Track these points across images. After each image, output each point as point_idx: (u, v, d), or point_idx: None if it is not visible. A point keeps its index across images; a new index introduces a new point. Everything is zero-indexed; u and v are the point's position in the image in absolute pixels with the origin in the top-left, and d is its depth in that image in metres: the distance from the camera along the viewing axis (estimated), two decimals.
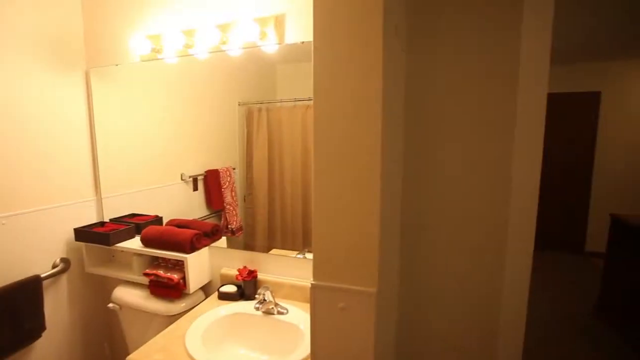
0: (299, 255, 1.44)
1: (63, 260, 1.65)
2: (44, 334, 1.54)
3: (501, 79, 0.85)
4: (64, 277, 1.68)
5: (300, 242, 1.51)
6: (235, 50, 1.42)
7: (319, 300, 0.77)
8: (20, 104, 1.47)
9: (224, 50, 1.44)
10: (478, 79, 0.87)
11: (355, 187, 0.71)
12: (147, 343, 1.15)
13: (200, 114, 1.67)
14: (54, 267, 1.61)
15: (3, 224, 1.43)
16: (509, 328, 0.93)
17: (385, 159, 0.71)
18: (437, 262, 0.98)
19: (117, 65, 1.68)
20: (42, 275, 1.52)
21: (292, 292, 1.40)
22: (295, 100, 1.46)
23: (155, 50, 1.53)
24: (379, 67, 0.66)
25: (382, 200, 0.71)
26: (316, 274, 0.76)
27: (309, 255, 1.42)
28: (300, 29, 1.31)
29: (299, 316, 1.27)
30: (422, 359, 1.05)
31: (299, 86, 1.47)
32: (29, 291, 1.47)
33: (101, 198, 1.83)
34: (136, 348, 1.16)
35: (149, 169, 1.79)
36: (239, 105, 1.57)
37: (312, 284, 0.77)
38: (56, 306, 1.64)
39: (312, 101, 1.45)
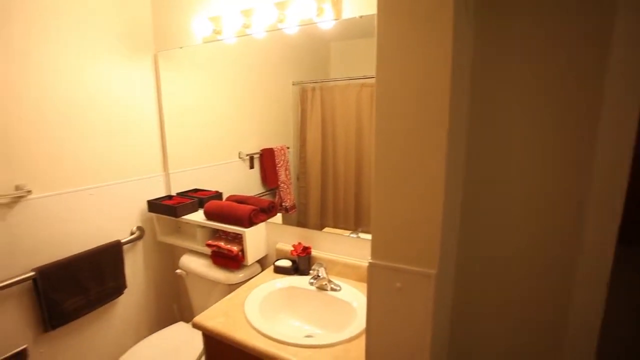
0: (352, 235, 1.45)
1: (139, 228, 1.83)
2: (125, 292, 1.75)
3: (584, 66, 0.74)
4: (139, 244, 1.88)
5: (352, 221, 1.51)
6: (291, 28, 1.41)
7: (376, 279, 0.77)
8: (99, 89, 1.62)
9: (280, 29, 1.44)
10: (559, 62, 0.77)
11: (418, 165, 0.68)
12: (211, 307, 1.25)
13: (256, 94, 1.71)
14: (131, 234, 1.80)
15: (91, 194, 1.61)
16: (580, 331, 0.85)
17: (451, 135, 0.67)
18: (497, 250, 0.92)
19: (181, 47, 1.77)
20: (122, 241, 1.72)
21: (345, 270, 1.42)
22: (349, 78, 1.43)
23: (216, 32, 1.58)
24: (449, 43, 0.61)
25: (447, 178, 0.67)
26: (374, 252, 0.76)
27: (363, 235, 1.42)
28: (358, 2, 1.26)
29: (351, 294, 1.29)
30: (474, 348, 1.01)
31: (353, 64, 1.43)
32: (112, 254, 1.66)
33: (168, 173, 1.98)
34: (200, 311, 1.26)
35: (209, 147, 1.90)
36: (293, 84, 1.57)
37: (369, 262, 0.76)
38: (134, 269, 1.85)
39: (366, 79, 1.43)
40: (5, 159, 1.33)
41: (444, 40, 0.62)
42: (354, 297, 1.28)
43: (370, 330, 0.81)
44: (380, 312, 0.78)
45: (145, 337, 1.67)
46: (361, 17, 1.26)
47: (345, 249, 1.45)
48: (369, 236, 1.37)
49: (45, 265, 1.43)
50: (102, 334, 1.72)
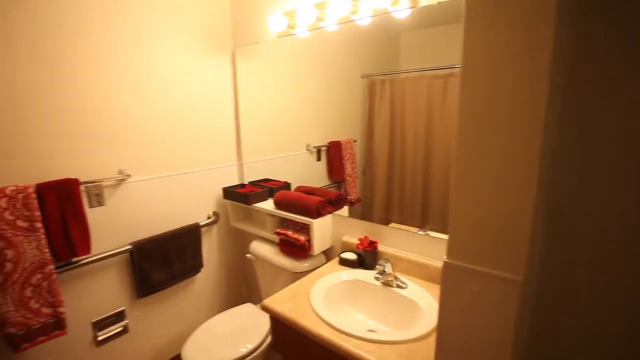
0: (420, 232, 1.40)
1: (215, 213, 1.99)
2: (202, 270, 1.92)
3: None
4: (215, 227, 2.03)
5: (419, 218, 1.45)
6: (364, 19, 1.39)
7: (451, 280, 0.73)
8: (184, 85, 1.77)
9: (353, 20, 1.42)
10: None
11: (506, 164, 0.62)
12: (279, 292, 1.30)
13: (325, 87, 1.72)
14: (208, 218, 1.96)
15: (175, 180, 1.79)
16: None
17: (546, 131, 0.60)
18: (588, 256, 0.80)
19: (257, 43, 1.85)
20: (201, 224, 1.87)
21: (412, 268, 1.38)
22: (421, 70, 1.36)
23: (290, 26, 1.62)
24: (549, 27, 0.54)
25: (539, 178, 0.61)
26: (451, 252, 0.72)
27: (433, 234, 1.36)
28: None
29: (418, 293, 1.25)
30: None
31: (425, 55, 1.36)
32: (192, 235, 1.83)
33: (242, 163, 2.11)
34: (267, 295, 1.33)
35: (279, 138, 1.97)
36: (361, 77, 1.55)
37: (445, 261, 0.73)
38: (209, 250, 2.01)
39: (438, 70, 1.35)
40: (112, 146, 1.53)
41: (542, 44, 0.55)
42: (420, 296, 1.23)
43: (442, 334, 0.77)
44: (453, 316, 0.74)
45: (216, 314, 1.81)
46: (439, 2, 1.19)
47: (412, 246, 1.40)
48: (439, 235, 1.34)
49: (140, 240, 1.62)
50: (181, 307, 1.91)
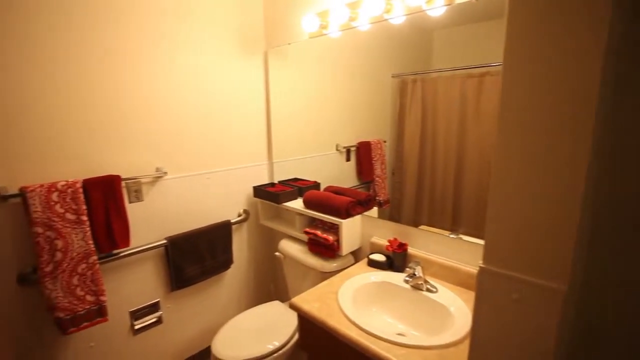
0: (452, 235, 1.36)
1: (245, 211, 2.03)
2: (232, 267, 1.97)
3: None
4: (245, 225, 2.08)
5: (449, 221, 1.42)
6: (398, 18, 1.37)
7: (487, 286, 0.70)
8: (217, 87, 1.82)
9: (386, 19, 1.41)
10: None
11: (553, 164, 0.59)
12: (307, 292, 1.31)
13: (355, 87, 1.72)
14: (238, 215, 2.01)
15: (208, 178, 1.85)
16: None
17: (595, 133, 0.56)
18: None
19: (289, 44, 1.87)
20: (232, 221, 1.92)
21: (442, 272, 1.34)
22: (454, 69, 1.32)
23: (322, 27, 1.63)
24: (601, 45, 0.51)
25: (587, 180, 0.57)
26: (487, 256, 0.69)
27: (466, 238, 1.32)
28: None
29: (449, 297, 1.22)
30: None
31: (459, 53, 1.32)
32: (223, 232, 1.88)
33: (272, 162, 2.14)
34: (294, 293, 1.34)
35: (309, 138, 1.98)
36: (392, 77, 1.53)
37: (480, 267, 0.70)
38: (239, 247, 2.06)
39: (473, 69, 1.31)
40: (150, 145, 1.60)
41: (596, 39, 0.52)
42: (451, 301, 1.20)
43: (476, 342, 0.75)
44: (489, 324, 0.72)
45: (245, 310, 1.85)
46: None
47: (443, 249, 1.37)
48: (471, 239, 1.29)
49: (174, 235, 1.69)
50: (211, 301, 1.97)
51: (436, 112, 1.42)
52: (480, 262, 0.71)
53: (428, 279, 1.31)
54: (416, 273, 1.28)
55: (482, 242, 0.69)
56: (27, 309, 1.34)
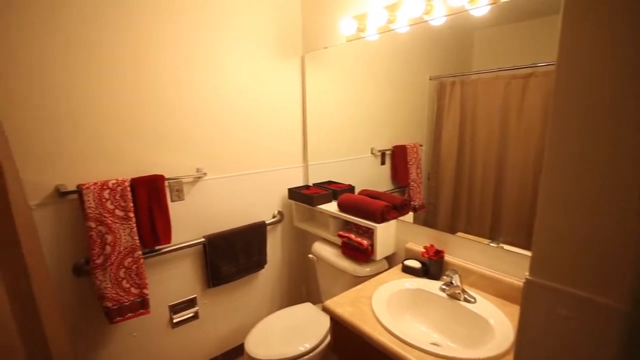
0: (492, 244, 1.30)
1: (279, 212, 2.06)
2: (265, 267, 2.00)
3: None
4: (279, 226, 2.11)
5: (488, 228, 1.35)
6: (438, 19, 1.34)
7: (534, 300, 0.66)
8: (257, 92, 1.87)
9: (426, 21, 1.38)
10: None
11: (612, 166, 0.55)
12: (340, 295, 1.31)
13: (391, 90, 1.69)
14: (273, 217, 2.05)
15: (245, 179, 1.90)
16: None
17: None
18: None
19: (325, 48, 1.89)
20: (267, 222, 1.96)
21: (481, 282, 1.28)
22: (498, 70, 1.26)
23: (360, 29, 1.62)
24: None
25: None
26: (535, 268, 0.65)
27: (506, 247, 1.26)
28: None
29: (488, 309, 1.16)
30: None
31: (502, 54, 1.26)
32: (258, 232, 1.92)
33: (307, 165, 2.16)
34: (327, 296, 1.33)
35: (344, 142, 1.98)
36: (430, 79, 1.49)
37: (527, 279, 0.66)
38: (273, 248, 2.09)
39: (517, 70, 1.24)
40: (191, 146, 1.68)
41: None
42: (491, 313, 1.14)
43: (521, 358, 0.70)
44: (535, 341, 0.67)
45: (277, 310, 1.88)
46: None
47: (483, 258, 1.31)
48: (514, 248, 1.23)
49: (212, 234, 1.75)
50: (245, 300, 2.01)
51: (476, 114, 1.36)
52: (527, 273, 0.67)
53: (466, 288, 1.26)
54: (453, 282, 1.23)
55: (525, 252, 0.65)
56: (81, 298, 1.44)
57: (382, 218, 1.51)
